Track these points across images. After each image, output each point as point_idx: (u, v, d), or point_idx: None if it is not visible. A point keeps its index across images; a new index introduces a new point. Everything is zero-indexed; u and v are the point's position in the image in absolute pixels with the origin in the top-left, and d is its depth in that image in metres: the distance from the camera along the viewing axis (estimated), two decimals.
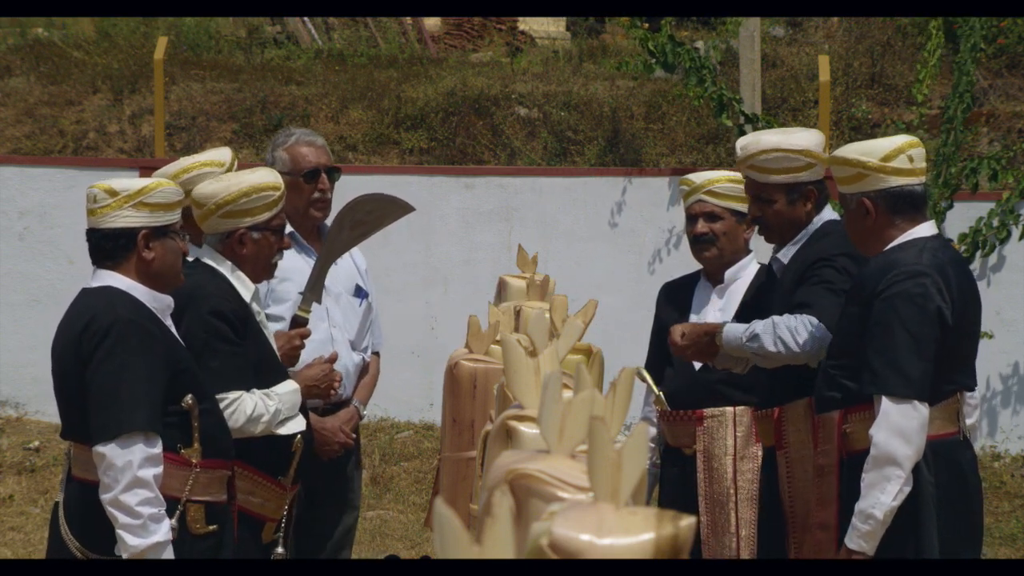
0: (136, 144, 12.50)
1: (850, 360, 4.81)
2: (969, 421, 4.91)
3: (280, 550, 5.11)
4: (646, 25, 10.92)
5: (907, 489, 4.68)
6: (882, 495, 4.66)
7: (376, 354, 6.25)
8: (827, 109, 10.60)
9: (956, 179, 10.09)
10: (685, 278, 6.06)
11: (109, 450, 4.46)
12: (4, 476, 10.27)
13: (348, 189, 7.27)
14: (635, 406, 6.47)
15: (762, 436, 5.40)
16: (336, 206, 5.99)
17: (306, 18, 14.22)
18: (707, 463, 5.67)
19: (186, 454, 4.63)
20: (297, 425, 5.11)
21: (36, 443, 10.58)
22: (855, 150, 4.93)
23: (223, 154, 5.39)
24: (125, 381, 4.49)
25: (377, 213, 5.86)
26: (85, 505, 4.59)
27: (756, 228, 5.67)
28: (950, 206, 10.07)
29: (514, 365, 2.50)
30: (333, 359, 5.56)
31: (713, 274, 5.90)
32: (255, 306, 5.14)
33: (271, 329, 5.34)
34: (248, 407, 4.94)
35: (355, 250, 6.03)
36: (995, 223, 10.07)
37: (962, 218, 10.19)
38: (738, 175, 5.87)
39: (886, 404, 4.67)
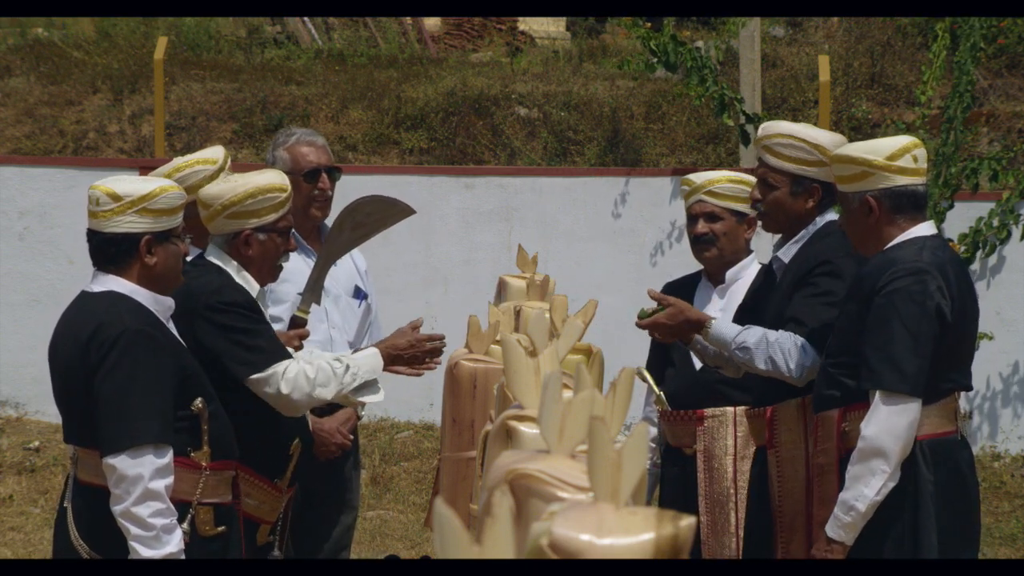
0: (136, 144, 12.50)
1: (849, 358, 4.80)
2: None
3: (276, 553, 5.10)
4: (648, 25, 10.93)
5: (891, 484, 4.68)
6: (865, 488, 4.67)
7: None
8: (827, 109, 10.60)
9: (956, 179, 10.09)
10: (686, 278, 6.06)
11: (120, 462, 4.45)
12: (4, 476, 10.27)
13: (348, 189, 7.27)
14: (635, 406, 6.46)
15: (754, 435, 5.39)
16: (336, 206, 5.98)
17: (306, 18, 14.22)
18: (707, 463, 5.67)
19: (196, 457, 4.62)
20: (375, 396, 5.06)
21: (36, 443, 10.58)
22: (860, 149, 4.93)
23: (215, 152, 5.34)
24: (134, 392, 4.48)
25: (377, 215, 5.84)
26: (94, 510, 4.58)
27: (757, 226, 5.67)
28: (950, 206, 10.07)
29: (514, 365, 2.50)
30: (417, 325, 5.21)
31: (714, 274, 5.90)
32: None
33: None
34: (310, 371, 4.91)
35: (355, 251, 6.02)
36: (995, 223, 10.07)
37: (962, 218, 10.19)
38: (738, 175, 5.89)
39: (879, 398, 4.68)
